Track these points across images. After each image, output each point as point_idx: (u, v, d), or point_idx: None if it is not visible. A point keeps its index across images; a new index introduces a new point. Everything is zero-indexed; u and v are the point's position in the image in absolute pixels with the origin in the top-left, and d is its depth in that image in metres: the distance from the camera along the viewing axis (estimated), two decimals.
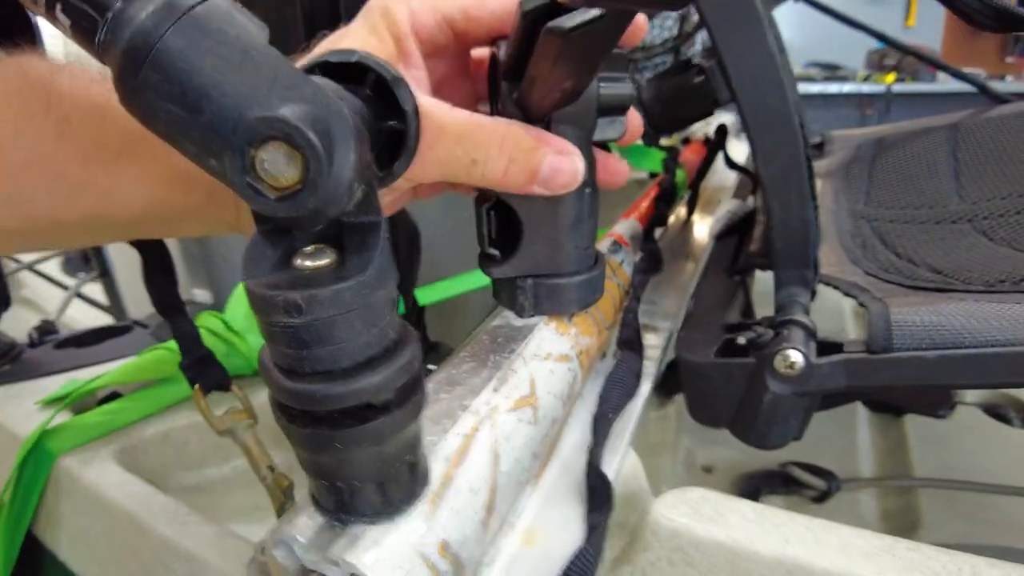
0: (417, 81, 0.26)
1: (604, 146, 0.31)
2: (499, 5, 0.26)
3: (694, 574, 0.27)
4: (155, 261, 0.33)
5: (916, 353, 0.29)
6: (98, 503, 0.33)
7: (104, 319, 0.69)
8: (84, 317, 0.68)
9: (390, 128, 0.20)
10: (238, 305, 0.38)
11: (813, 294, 0.37)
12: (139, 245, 0.31)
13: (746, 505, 0.28)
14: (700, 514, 0.27)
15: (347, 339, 0.16)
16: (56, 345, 0.50)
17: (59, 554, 0.35)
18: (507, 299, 0.30)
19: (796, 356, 0.30)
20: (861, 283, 0.39)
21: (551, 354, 0.29)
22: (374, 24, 0.25)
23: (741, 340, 0.33)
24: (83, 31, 0.14)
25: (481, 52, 0.29)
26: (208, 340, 0.36)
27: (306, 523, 0.19)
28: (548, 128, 0.26)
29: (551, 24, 0.18)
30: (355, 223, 0.16)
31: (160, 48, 0.13)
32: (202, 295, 0.58)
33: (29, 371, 0.47)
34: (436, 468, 0.21)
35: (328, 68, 0.19)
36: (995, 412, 0.64)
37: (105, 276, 0.69)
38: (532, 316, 0.30)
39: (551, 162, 0.23)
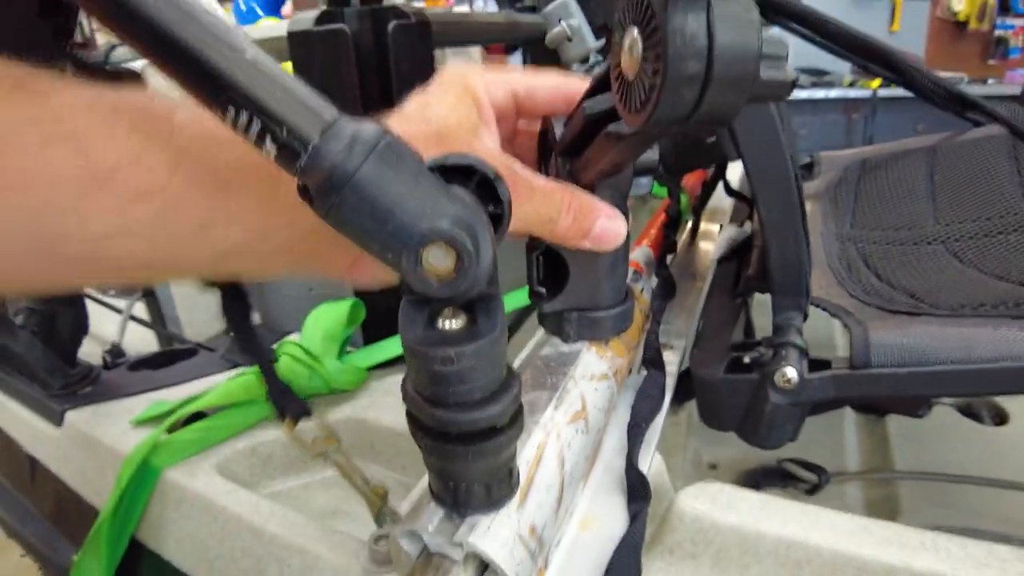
0: (494, 141, 0.29)
1: None
2: (554, 87, 0.30)
3: (712, 551, 0.33)
4: (232, 291, 0.39)
5: (890, 370, 0.35)
6: (207, 509, 0.38)
7: (150, 336, 0.75)
8: (131, 336, 0.73)
9: (492, 213, 0.26)
10: (314, 332, 0.44)
11: (805, 316, 0.43)
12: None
13: (753, 495, 0.34)
14: (716, 503, 0.33)
15: (480, 380, 0.22)
16: (130, 367, 0.55)
17: (165, 555, 0.41)
18: (553, 327, 0.36)
19: (792, 373, 0.36)
20: (846, 306, 0.46)
21: (595, 374, 0.35)
22: (459, 95, 0.28)
23: (746, 359, 0.39)
24: (287, 157, 0.20)
25: (528, 125, 0.35)
26: (292, 365, 0.42)
27: (429, 516, 0.25)
28: (593, 191, 0.32)
29: (611, 129, 0.25)
30: (484, 294, 0.22)
31: (358, 177, 0.20)
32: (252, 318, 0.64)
33: (109, 392, 0.52)
34: (521, 472, 0.27)
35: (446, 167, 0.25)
36: (969, 412, 0.71)
37: (150, 296, 0.74)
38: (576, 342, 0.36)
39: (602, 224, 0.28)
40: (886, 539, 0.30)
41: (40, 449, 0.51)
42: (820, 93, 2.91)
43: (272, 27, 0.49)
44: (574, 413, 0.32)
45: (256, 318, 0.65)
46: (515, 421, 0.24)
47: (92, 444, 0.46)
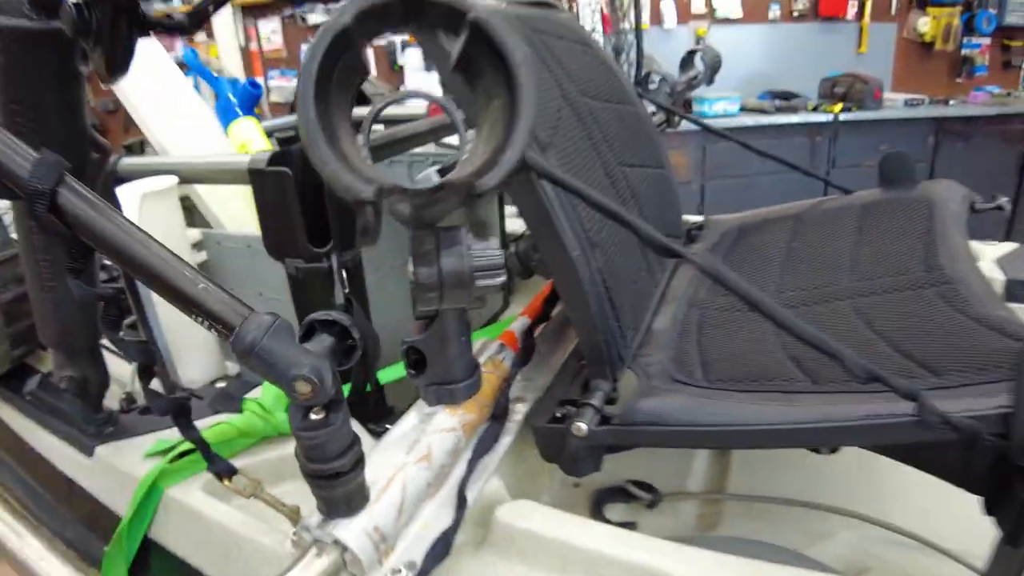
0: None
1: None
2: None
3: (516, 549, 0.51)
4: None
5: (642, 428, 0.54)
6: (195, 516, 0.57)
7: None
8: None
9: (348, 345, 0.45)
10: (268, 391, 0.63)
11: (615, 379, 0.61)
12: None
13: (548, 511, 0.52)
14: (519, 515, 0.52)
15: (332, 446, 0.40)
16: (140, 412, 0.74)
17: (168, 547, 0.60)
18: (422, 394, 0.55)
19: (583, 426, 0.55)
20: (655, 372, 0.63)
21: (443, 428, 0.54)
22: None
23: (559, 413, 0.58)
24: (225, 336, 0.39)
25: None
26: (252, 417, 0.61)
27: (316, 520, 0.44)
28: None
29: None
30: (332, 400, 0.41)
31: (259, 346, 0.38)
32: (232, 367, 0.83)
33: (126, 432, 0.71)
34: (373, 493, 0.45)
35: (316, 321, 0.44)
36: None
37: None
38: (434, 405, 0.55)
39: None
40: (632, 544, 0.48)
41: (77, 473, 0.70)
42: (784, 119, 3.08)
43: (237, 160, 0.67)
44: (420, 456, 0.50)
45: (235, 368, 0.84)
46: (356, 467, 0.42)
47: (115, 470, 0.65)
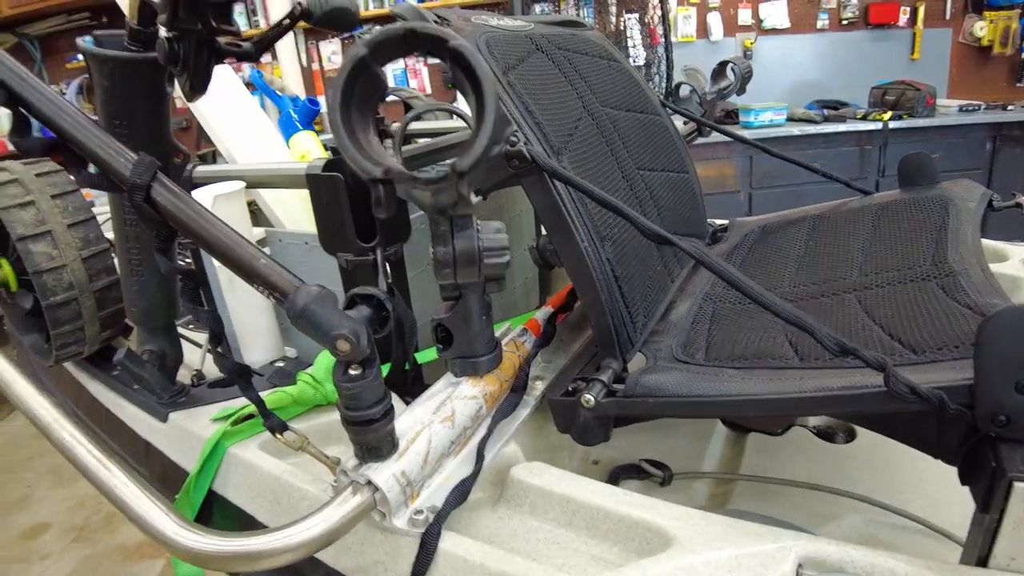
0: None
1: None
2: None
3: (528, 503, 0.58)
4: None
5: (641, 399, 0.59)
6: (252, 469, 0.66)
7: None
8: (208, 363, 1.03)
9: (383, 316, 0.52)
10: (320, 365, 0.72)
11: (624, 360, 0.67)
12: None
13: (556, 471, 0.59)
14: (531, 473, 0.58)
15: (366, 397, 0.48)
16: (208, 386, 0.85)
17: (228, 497, 0.69)
18: (449, 366, 0.63)
19: (589, 398, 0.61)
20: (664, 353, 0.69)
21: (466, 396, 0.61)
22: None
23: (571, 387, 0.64)
24: (279, 302, 0.47)
25: None
26: (304, 387, 0.70)
27: (352, 464, 0.52)
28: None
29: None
30: (367, 358, 0.49)
31: (307, 309, 0.46)
32: (290, 351, 0.93)
33: (196, 402, 0.81)
34: (402, 444, 0.53)
35: (357, 295, 0.52)
36: (823, 433, 0.92)
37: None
38: (460, 377, 0.63)
39: None
40: (631, 502, 0.54)
41: (152, 436, 0.81)
42: (832, 128, 3.05)
43: (296, 167, 0.77)
44: (445, 416, 0.58)
45: (292, 352, 0.94)
46: (386, 416, 0.50)
47: (185, 432, 0.75)
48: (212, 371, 0.94)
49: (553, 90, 0.76)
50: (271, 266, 0.47)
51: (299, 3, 0.49)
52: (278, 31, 0.50)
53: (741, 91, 1.45)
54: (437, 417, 0.57)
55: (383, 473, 0.51)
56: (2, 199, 0.78)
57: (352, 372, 0.49)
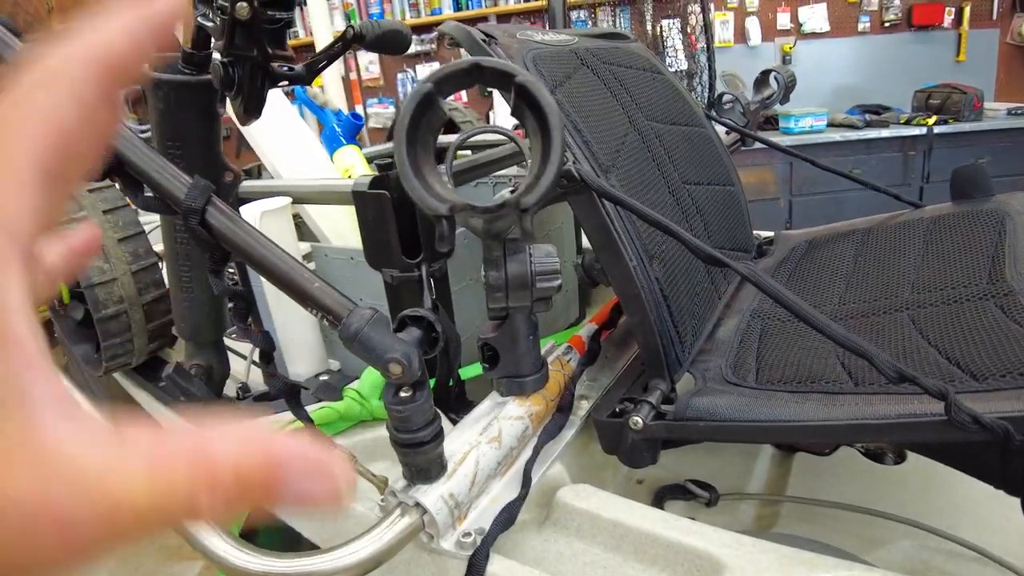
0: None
1: None
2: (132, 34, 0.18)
3: (574, 526, 0.57)
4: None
5: (693, 423, 0.58)
6: None
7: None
8: (254, 376, 1.05)
9: (432, 337, 0.52)
10: (365, 381, 0.72)
11: (672, 380, 0.66)
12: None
13: (603, 494, 0.58)
14: (578, 496, 0.58)
15: (416, 420, 0.48)
16: (254, 399, 0.86)
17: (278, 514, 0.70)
18: (495, 385, 0.62)
19: (638, 420, 0.60)
20: (712, 374, 0.68)
21: (512, 416, 0.60)
22: None
23: (618, 409, 0.63)
24: (333, 325, 0.48)
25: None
26: (350, 403, 0.71)
27: (401, 485, 0.52)
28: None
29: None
30: (417, 381, 0.49)
31: (361, 334, 0.47)
32: (334, 364, 0.94)
33: (247, 415, 0.83)
34: (450, 466, 0.53)
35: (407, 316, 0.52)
36: (872, 453, 0.89)
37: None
38: (506, 396, 0.62)
39: (298, 489, 0.16)
40: (681, 528, 0.52)
41: None
42: (874, 133, 2.97)
43: (342, 184, 0.78)
44: (492, 437, 0.57)
45: (336, 364, 0.95)
46: (435, 439, 0.50)
47: None
48: (256, 383, 0.96)
49: (599, 106, 0.75)
50: (325, 289, 0.48)
51: (351, 26, 0.50)
52: (330, 55, 0.50)
53: (785, 100, 1.42)
54: (484, 438, 0.57)
55: (432, 495, 0.51)
56: None
57: (403, 394, 0.49)
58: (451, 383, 0.78)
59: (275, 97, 1.14)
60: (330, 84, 1.83)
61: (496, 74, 0.31)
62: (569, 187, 0.58)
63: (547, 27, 1.34)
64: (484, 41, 0.62)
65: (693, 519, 0.74)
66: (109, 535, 0.14)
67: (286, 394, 0.58)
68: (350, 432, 0.73)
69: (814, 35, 3.34)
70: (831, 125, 3.12)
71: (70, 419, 0.14)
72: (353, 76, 3.84)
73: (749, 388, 0.61)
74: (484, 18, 3.69)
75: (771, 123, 3.21)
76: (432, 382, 0.78)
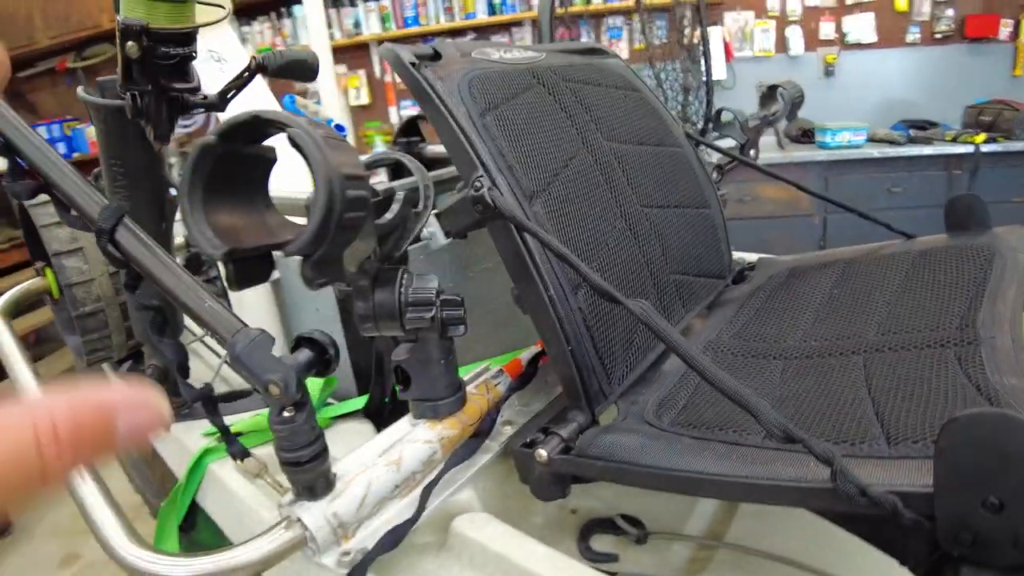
0: None
1: None
2: None
3: (467, 554, 0.57)
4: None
5: (594, 461, 0.57)
6: (223, 486, 0.69)
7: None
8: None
9: (325, 358, 0.53)
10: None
11: (593, 415, 0.65)
12: None
13: (499, 525, 0.58)
14: (472, 524, 0.58)
15: (298, 439, 0.49)
16: (218, 399, 0.89)
17: (206, 507, 0.72)
18: (410, 407, 0.63)
19: (543, 453, 0.60)
20: (631, 411, 0.66)
21: (418, 439, 0.61)
22: None
23: (529, 439, 0.63)
24: (221, 343, 0.49)
25: None
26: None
27: (290, 501, 0.53)
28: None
29: None
30: (298, 401, 0.50)
31: (239, 352, 0.48)
32: None
33: (196, 415, 0.86)
34: (339, 485, 0.54)
35: (301, 338, 0.53)
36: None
37: None
38: (417, 419, 0.63)
39: (127, 421, 0.19)
40: (564, 568, 0.52)
41: (156, 443, 0.86)
42: (915, 150, 2.84)
43: (296, 195, 0.80)
44: (391, 460, 0.58)
45: None
46: (317, 458, 0.51)
47: (180, 444, 0.80)
48: (231, 385, 0.99)
49: (546, 127, 0.75)
50: (215, 309, 0.49)
51: (254, 57, 0.51)
52: (238, 84, 0.52)
53: (791, 117, 1.38)
54: (382, 460, 0.58)
55: (313, 512, 0.52)
56: (43, 218, 0.86)
57: (286, 414, 0.50)
58: (385, 400, 0.79)
59: (265, 101, 1.17)
60: (325, 93, 1.87)
61: (275, 125, 0.31)
62: (484, 213, 0.58)
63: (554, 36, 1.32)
64: (412, 64, 0.63)
65: (616, 556, 0.74)
66: None
67: (201, 400, 0.60)
68: None
69: (859, 46, 3.21)
70: (872, 140, 3.00)
71: None
72: (388, 79, 3.91)
73: (658, 429, 0.60)
74: (518, 22, 3.70)
75: (807, 136, 3.11)
76: (366, 398, 0.79)
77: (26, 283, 1.08)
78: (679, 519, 0.80)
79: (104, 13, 3.83)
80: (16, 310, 1.07)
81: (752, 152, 1.30)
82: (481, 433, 0.66)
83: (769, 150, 3.10)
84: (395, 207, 0.49)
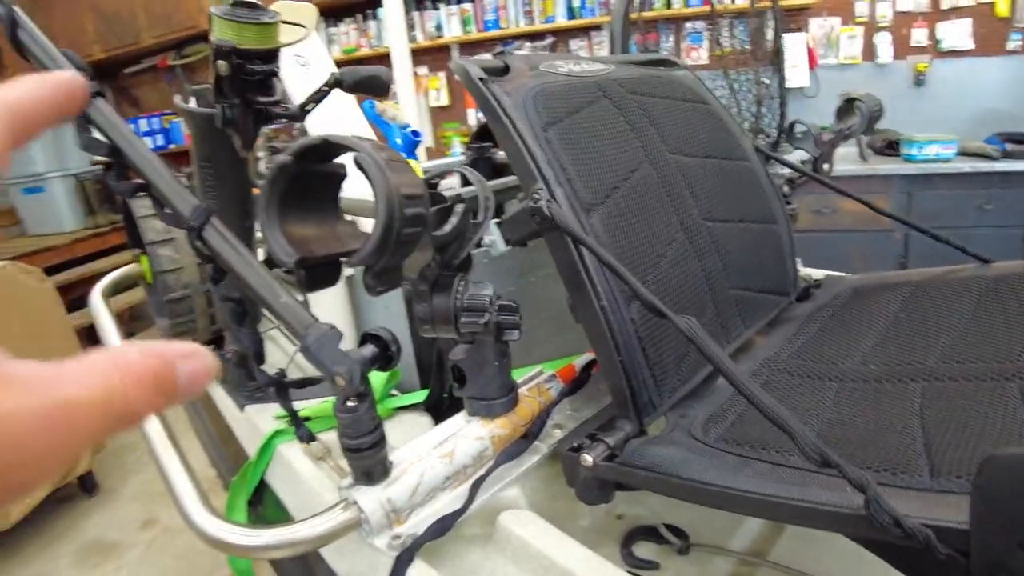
0: None
1: None
2: (43, 97, 0.24)
3: (511, 549, 0.60)
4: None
5: (637, 470, 0.59)
6: (289, 466, 0.75)
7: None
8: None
9: (387, 354, 0.57)
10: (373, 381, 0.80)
11: (641, 425, 0.66)
12: None
13: (541, 522, 0.60)
14: (517, 520, 0.60)
15: (360, 427, 0.53)
16: (289, 386, 0.95)
17: (273, 485, 0.78)
18: (464, 404, 0.66)
19: (588, 458, 0.61)
20: (681, 423, 0.67)
21: (471, 435, 0.64)
22: None
23: (577, 443, 0.65)
24: (295, 335, 0.54)
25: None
26: None
27: (348, 484, 0.57)
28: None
29: None
30: (360, 392, 0.54)
31: (312, 347, 0.52)
32: None
33: (269, 398, 0.92)
34: (395, 472, 0.58)
35: (367, 334, 0.57)
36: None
37: None
38: (472, 416, 0.66)
39: (185, 371, 0.22)
40: (599, 570, 0.54)
41: (232, 422, 0.93)
42: (1011, 165, 2.66)
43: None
44: (444, 453, 0.61)
45: None
46: (375, 447, 0.54)
47: (253, 424, 0.86)
48: (304, 371, 1.06)
49: (608, 140, 0.76)
50: (290, 306, 0.54)
51: (333, 73, 0.56)
52: (317, 97, 0.56)
53: (868, 130, 1.33)
54: (436, 452, 0.61)
55: (368, 496, 0.56)
56: (141, 210, 0.95)
57: (349, 404, 0.54)
58: (444, 395, 0.83)
59: (349, 109, 1.24)
60: (404, 95, 1.93)
61: (341, 148, 0.35)
62: (542, 224, 0.61)
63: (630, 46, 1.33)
64: (481, 80, 0.66)
65: (657, 564, 0.75)
66: (66, 434, 0.18)
67: (273, 386, 0.66)
68: None
69: (954, 53, 3.03)
70: (962, 154, 2.83)
71: (13, 360, 0.18)
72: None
73: (703, 444, 0.61)
74: (596, 27, 3.70)
75: (892, 148, 2.97)
76: (427, 392, 0.83)
77: (124, 268, 1.19)
78: (724, 533, 0.80)
79: (202, 14, 4.09)
80: (114, 291, 1.18)
81: (826, 166, 1.26)
82: (531, 434, 0.68)
83: (850, 162, 2.98)
84: (454, 220, 0.52)
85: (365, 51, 4.11)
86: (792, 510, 0.47)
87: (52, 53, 0.60)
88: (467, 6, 3.85)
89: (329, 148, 0.33)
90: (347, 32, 4.17)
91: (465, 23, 3.88)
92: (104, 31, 4.42)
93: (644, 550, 0.77)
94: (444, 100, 4.16)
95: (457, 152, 3.90)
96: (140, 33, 4.33)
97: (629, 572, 0.54)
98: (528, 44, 3.88)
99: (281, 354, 1.08)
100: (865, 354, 0.81)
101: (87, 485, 2.58)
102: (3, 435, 0.17)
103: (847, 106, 1.34)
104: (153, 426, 0.69)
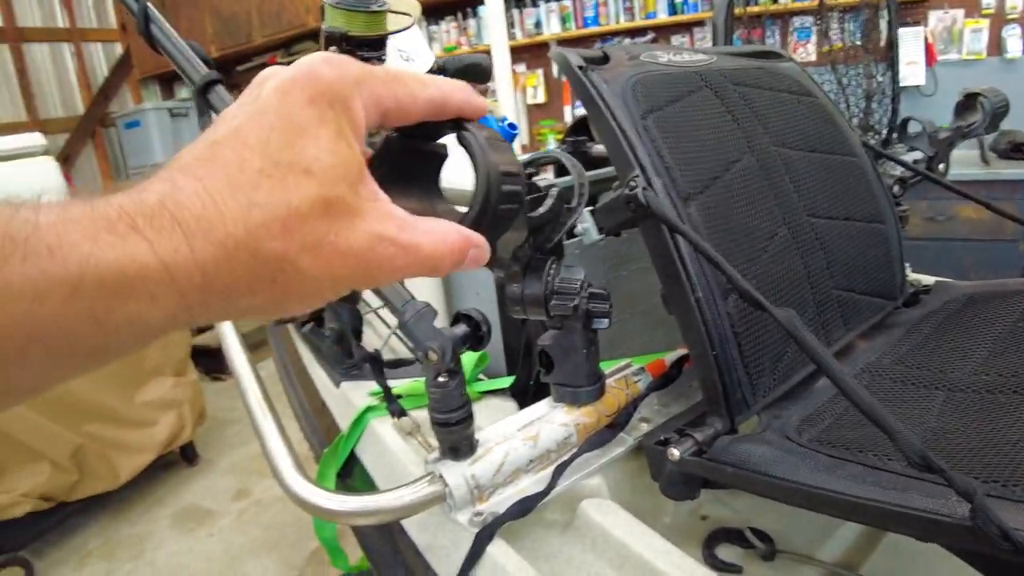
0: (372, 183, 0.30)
1: None
2: (430, 102, 0.32)
3: (590, 537, 0.59)
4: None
5: (725, 467, 0.57)
6: (379, 441, 0.78)
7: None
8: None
9: (478, 334, 0.58)
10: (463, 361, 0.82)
11: (732, 422, 0.64)
12: None
13: (622, 512, 0.59)
14: (599, 509, 0.60)
15: (450, 402, 0.55)
16: (385, 365, 0.99)
17: (363, 458, 0.82)
18: (549, 390, 0.67)
19: (675, 452, 0.60)
20: (773, 423, 0.64)
21: (555, 421, 0.64)
22: (338, 127, 0.26)
23: (664, 437, 0.64)
24: (395, 313, 0.56)
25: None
26: None
27: (435, 459, 0.59)
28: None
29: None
30: (451, 369, 0.55)
31: (409, 323, 0.54)
32: None
33: (365, 376, 0.96)
34: (480, 450, 0.59)
35: (459, 314, 0.59)
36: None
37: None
38: (557, 402, 0.66)
39: (473, 254, 0.32)
40: (679, 564, 0.53)
41: (327, 397, 0.98)
42: None
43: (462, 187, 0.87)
44: (528, 435, 0.62)
45: None
46: (462, 422, 0.56)
47: (347, 400, 0.90)
48: (397, 354, 1.10)
49: (709, 130, 0.74)
50: (392, 285, 0.56)
51: (436, 60, 0.57)
52: None
53: (991, 129, 1.22)
54: (521, 434, 0.62)
55: (454, 471, 0.57)
56: None
57: (440, 379, 0.56)
58: (531, 382, 0.83)
59: None
60: (502, 91, 1.96)
61: (453, 124, 0.35)
62: (637, 212, 0.60)
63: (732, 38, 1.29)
64: (580, 68, 0.66)
65: (740, 568, 0.72)
66: (414, 265, 0.29)
67: (368, 362, 0.69)
68: None
69: None
70: None
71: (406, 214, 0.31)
72: (565, 78, 4.00)
73: (796, 444, 0.58)
74: (699, 22, 3.60)
75: (1019, 151, 2.70)
76: (514, 379, 0.84)
77: None
78: (813, 542, 0.76)
79: (310, 13, 4.32)
80: None
81: (941, 167, 1.17)
82: (617, 425, 0.68)
83: (970, 165, 2.75)
84: (548, 202, 0.52)
85: (465, 49, 4.20)
86: (888, 515, 0.45)
87: (180, 46, 0.65)
88: (567, 3, 3.85)
89: (433, 125, 0.34)
90: (448, 30, 4.29)
91: (565, 20, 3.88)
92: (221, 31, 4.77)
93: (727, 553, 0.74)
94: (541, 98, 4.19)
95: (552, 148, 3.92)
96: (252, 32, 4.64)
97: (709, 569, 0.52)
98: (628, 41, 3.83)
99: (376, 337, 1.13)
100: (978, 364, 0.75)
101: (188, 455, 2.79)
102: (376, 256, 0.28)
103: (968, 102, 1.24)
104: (253, 396, 0.74)
